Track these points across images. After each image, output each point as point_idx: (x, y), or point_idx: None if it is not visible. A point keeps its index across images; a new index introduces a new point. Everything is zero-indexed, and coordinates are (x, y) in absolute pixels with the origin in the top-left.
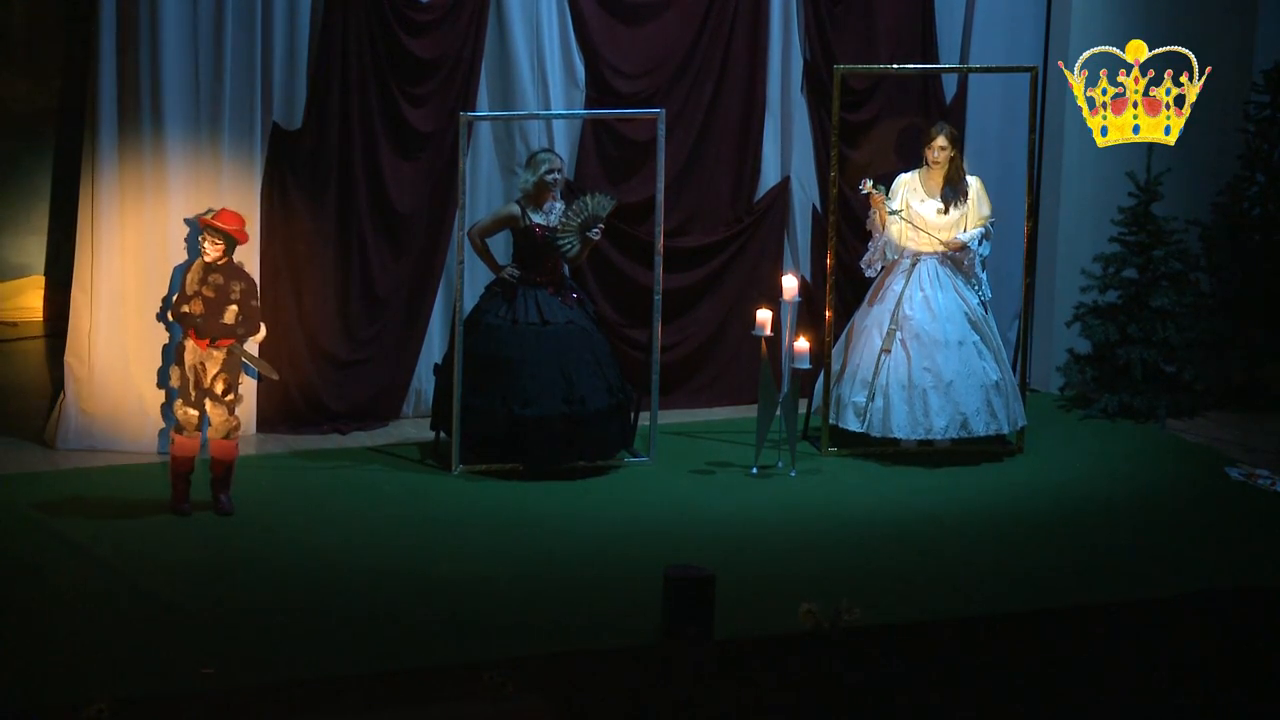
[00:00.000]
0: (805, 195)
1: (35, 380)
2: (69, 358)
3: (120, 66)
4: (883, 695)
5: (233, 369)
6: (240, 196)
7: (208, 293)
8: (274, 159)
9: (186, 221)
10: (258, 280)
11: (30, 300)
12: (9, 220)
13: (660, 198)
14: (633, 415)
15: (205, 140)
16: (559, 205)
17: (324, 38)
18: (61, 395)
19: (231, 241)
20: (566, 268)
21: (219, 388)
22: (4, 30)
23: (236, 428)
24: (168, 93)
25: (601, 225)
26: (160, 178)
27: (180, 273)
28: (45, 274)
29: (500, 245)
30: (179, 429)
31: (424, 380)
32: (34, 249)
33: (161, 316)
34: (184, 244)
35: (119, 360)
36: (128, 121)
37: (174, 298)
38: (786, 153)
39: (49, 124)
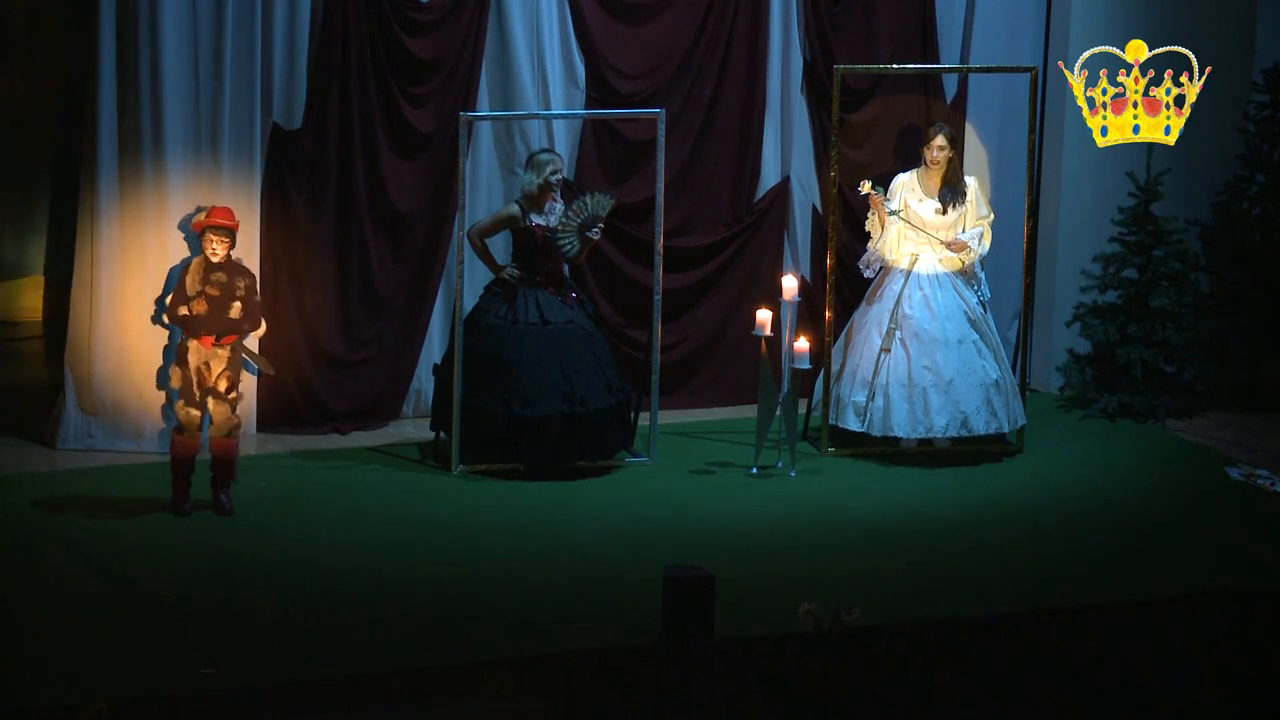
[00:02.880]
0: (805, 195)
1: (35, 380)
2: (69, 358)
3: (120, 66)
4: (883, 695)
5: (235, 366)
6: (240, 196)
7: (212, 291)
8: (274, 159)
9: (181, 228)
10: (258, 280)
11: (30, 300)
12: (9, 220)
13: (660, 198)
14: (632, 415)
15: (205, 140)
16: (559, 205)
17: (324, 38)
18: (61, 395)
19: (234, 236)
20: (566, 268)
21: (222, 385)
22: (4, 30)
23: (238, 425)
24: (168, 93)
25: (601, 225)
26: (160, 177)
27: (175, 274)
28: (45, 274)
29: (500, 245)
30: (180, 429)
31: (424, 380)
32: (34, 249)
33: (157, 319)
34: (184, 244)
35: (119, 360)
36: (128, 121)
37: (168, 300)
38: (786, 153)
39: (49, 124)
